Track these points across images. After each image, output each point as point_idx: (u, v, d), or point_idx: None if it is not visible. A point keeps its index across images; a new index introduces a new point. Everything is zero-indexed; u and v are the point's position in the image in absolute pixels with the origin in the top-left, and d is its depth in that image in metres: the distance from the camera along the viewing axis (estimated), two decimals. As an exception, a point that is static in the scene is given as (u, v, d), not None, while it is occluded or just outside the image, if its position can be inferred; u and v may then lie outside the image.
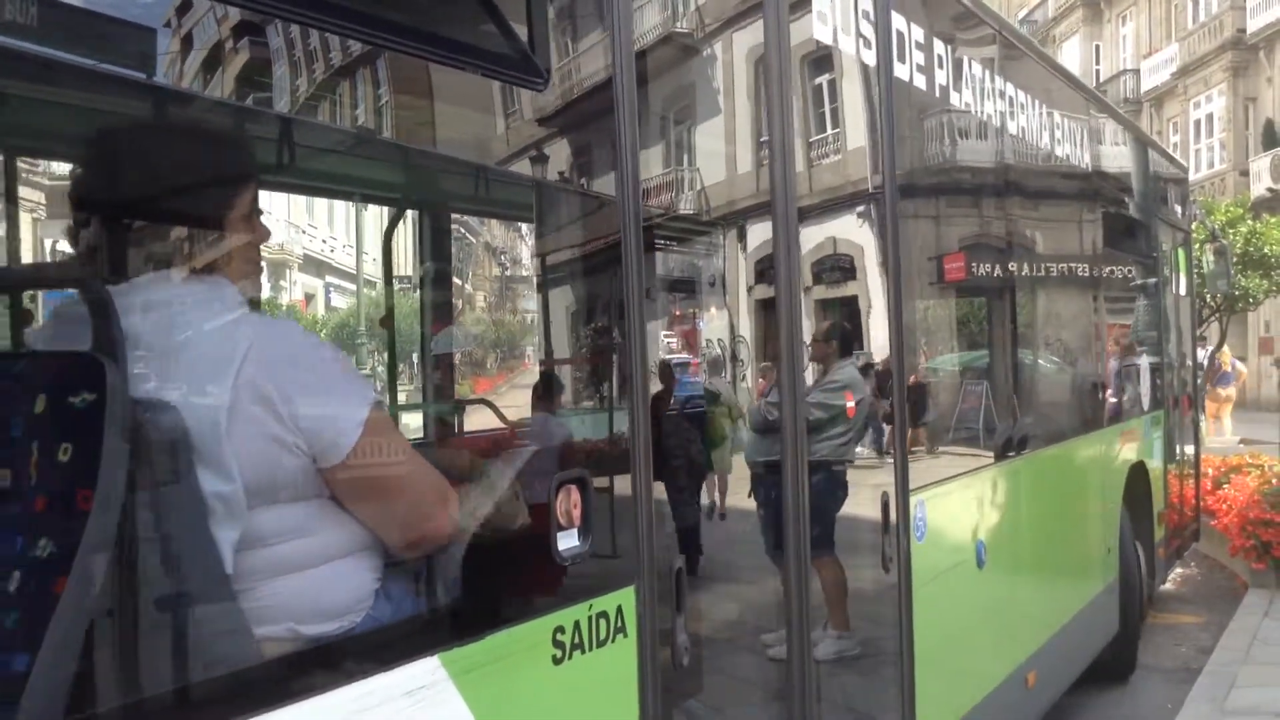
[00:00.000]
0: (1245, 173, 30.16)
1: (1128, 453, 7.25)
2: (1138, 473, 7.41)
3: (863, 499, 3.69)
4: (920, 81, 4.22)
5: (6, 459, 1.59)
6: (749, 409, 3.39)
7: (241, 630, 1.72)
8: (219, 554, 1.71)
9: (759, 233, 3.20)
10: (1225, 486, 9.97)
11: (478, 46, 2.21)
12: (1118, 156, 7.69)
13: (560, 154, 2.69)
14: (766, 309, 3.25)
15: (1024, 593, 5.21)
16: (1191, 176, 31.21)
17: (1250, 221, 21.25)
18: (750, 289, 3.35)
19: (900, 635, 3.69)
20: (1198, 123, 33.43)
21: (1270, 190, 27.17)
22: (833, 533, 3.32)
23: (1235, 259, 19.00)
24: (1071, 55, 38.81)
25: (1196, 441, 9.90)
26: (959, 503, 4.40)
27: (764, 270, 3.19)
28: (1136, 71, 35.97)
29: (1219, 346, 20.73)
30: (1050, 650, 5.40)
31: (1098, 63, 38.39)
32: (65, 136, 2.13)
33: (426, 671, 1.94)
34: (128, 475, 1.61)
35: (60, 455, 1.58)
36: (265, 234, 1.98)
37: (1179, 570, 10.07)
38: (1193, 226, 10.68)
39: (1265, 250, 20.92)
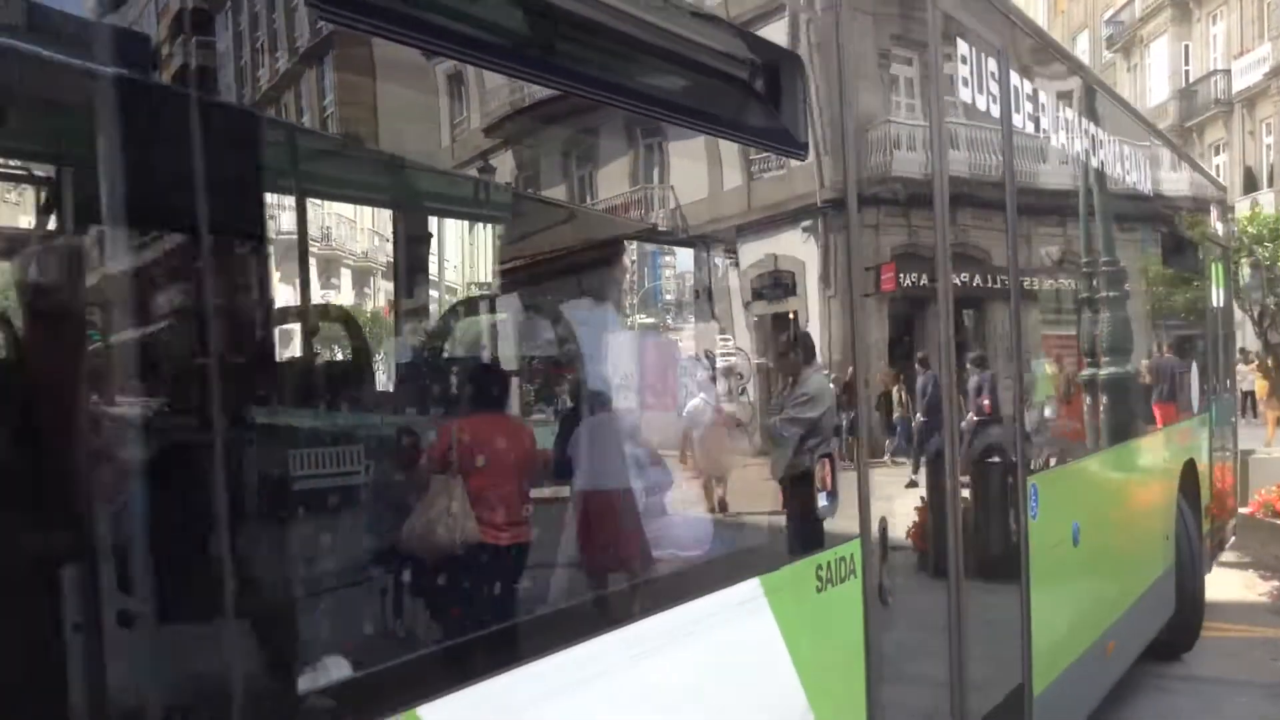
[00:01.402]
0: (1341, 174, 28.76)
1: (1181, 450, 7.95)
2: (1189, 469, 8.11)
3: (992, 482, 4.43)
4: (1029, 125, 4.96)
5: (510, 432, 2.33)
6: (768, 425, 3.38)
7: (650, 552, 2.47)
8: (635, 496, 2.46)
9: (752, 250, 3.26)
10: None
11: (765, 129, 2.96)
12: (1169, 179, 8.39)
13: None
14: (766, 321, 3.34)
15: (1106, 570, 5.93)
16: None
17: None
18: (747, 304, 3.30)
19: (1022, 596, 4.43)
20: (1291, 124, 31.87)
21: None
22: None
23: None
24: (1160, 56, 37.81)
25: (1235, 442, 10.57)
26: (1061, 488, 5.12)
27: (762, 286, 3.29)
28: (1227, 72, 34.62)
29: None
30: (1124, 624, 6.12)
31: (1187, 63, 37.14)
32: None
33: (751, 589, 2.69)
34: (589, 443, 2.36)
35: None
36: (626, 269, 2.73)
37: (1275, 583, 10.28)
38: (1231, 243, 11.39)
39: None
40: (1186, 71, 36.84)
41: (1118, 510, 6.24)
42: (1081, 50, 43.84)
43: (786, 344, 3.30)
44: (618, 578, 2.43)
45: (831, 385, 3.23)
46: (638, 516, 2.46)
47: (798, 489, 3.00)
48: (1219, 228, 10.40)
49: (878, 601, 3.29)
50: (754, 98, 2.95)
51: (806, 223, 3.36)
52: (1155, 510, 7.14)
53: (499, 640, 2.15)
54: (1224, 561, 10.72)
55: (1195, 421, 8.61)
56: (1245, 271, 11.96)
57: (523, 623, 2.22)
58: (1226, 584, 9.81)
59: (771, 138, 3.01)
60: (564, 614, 2.28)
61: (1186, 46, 37.12)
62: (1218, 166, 34.29)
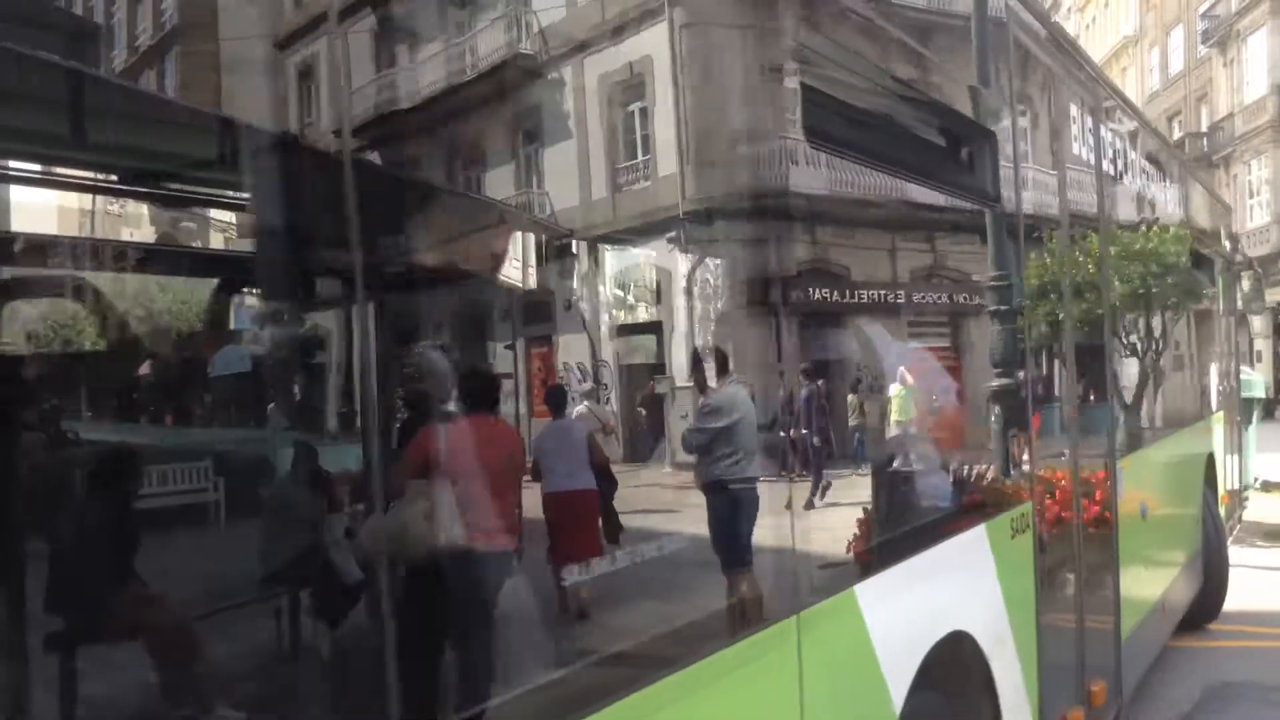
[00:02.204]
0: None
1: (1204, 444, 9.00)
2: (1209, 461, 9.15)
3: (1096, 465, 5.42)
4: (1112, 169, 5.99)
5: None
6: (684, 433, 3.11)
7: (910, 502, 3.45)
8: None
9: (628, 256, 3.10)
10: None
11: (974, 188, 3.94)
12: (1187, 201, 9.43)
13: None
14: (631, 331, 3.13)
15: (1162, 543, 6.96)
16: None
17: None
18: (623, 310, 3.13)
19: (1114, 560, 5.42)
20: (1395, 119, 29.28)
21: None
22: (749, 552, 2.91)
23: None
24: (1258, 49, 35.61)
25: (1240, 439, 11.61)
26: (1134, 472, 6.12)
27: (639, 291, 3.13)
28: (1331, 65, 31.92)
29: None
30: (1173, 590, 7.14)
31: (1288, 56, 33.78)
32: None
33: (979, 531, 3.67)
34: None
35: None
36: None
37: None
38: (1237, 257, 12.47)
39: None
40: (1288, 66, 33.65)
41: (1168, 494, 7.27)
42: (1175, 46, 41.38)
43: (690, 360, 3.12)
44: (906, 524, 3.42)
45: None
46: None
47: (1006, 461, 3.99)
48: (1226, 244, 11.49)
49: (1041, 549, 4.28)
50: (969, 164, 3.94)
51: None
52: (1190, 496, 8.19)
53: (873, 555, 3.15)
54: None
55: (1212, 419, 9.68)
56: (1245, 284, 13.00)
57: (880, 545, 3.20)
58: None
59: (979, 195, 4.00)
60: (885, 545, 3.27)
61: (1288, 39, 34.01)
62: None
